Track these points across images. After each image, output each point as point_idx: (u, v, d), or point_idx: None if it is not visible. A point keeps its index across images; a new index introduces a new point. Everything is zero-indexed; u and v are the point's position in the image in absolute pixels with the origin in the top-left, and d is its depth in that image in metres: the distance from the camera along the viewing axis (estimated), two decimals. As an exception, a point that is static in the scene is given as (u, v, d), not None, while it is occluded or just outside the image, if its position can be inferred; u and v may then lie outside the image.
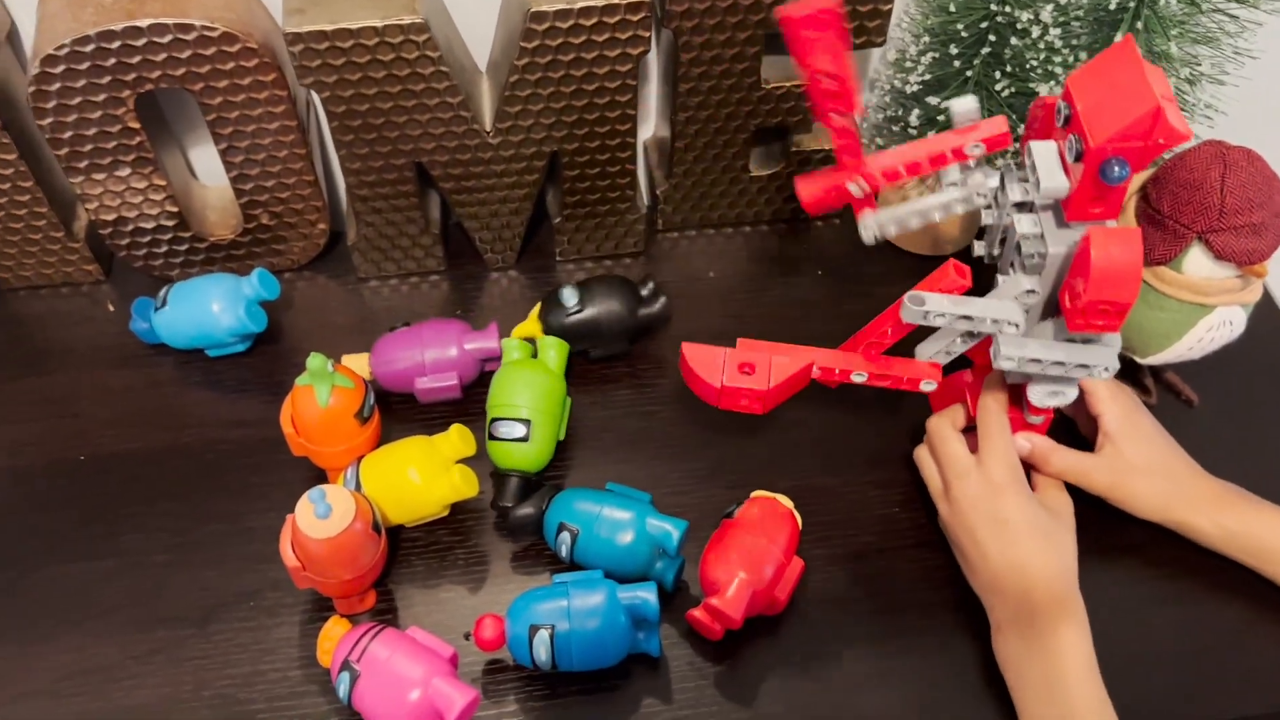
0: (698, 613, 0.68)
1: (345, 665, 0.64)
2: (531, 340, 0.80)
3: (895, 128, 0.85)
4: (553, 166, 0.84)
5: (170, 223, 0.84)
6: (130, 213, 0.82)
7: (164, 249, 0.86)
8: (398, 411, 0.81)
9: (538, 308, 0.83)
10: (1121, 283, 0.55)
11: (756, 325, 0.87)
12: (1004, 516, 0.66)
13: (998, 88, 0.79)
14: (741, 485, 0.75)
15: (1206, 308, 0.71)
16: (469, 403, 0.81)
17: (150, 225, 0.83)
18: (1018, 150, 0.69)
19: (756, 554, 0.68)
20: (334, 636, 0.67)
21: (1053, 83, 0.77)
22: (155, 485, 0.78)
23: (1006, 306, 0.63)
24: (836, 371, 0.69)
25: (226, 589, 0.73)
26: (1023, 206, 0.62)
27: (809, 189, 0.66)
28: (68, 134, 0.76)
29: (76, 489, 0.78)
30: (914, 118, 0.82)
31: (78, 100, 0.74)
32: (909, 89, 0.81)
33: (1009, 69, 0.78)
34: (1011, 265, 0.64)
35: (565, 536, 0.71)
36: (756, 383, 0.67)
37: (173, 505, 0.77)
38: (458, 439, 0.72)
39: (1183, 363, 0.77)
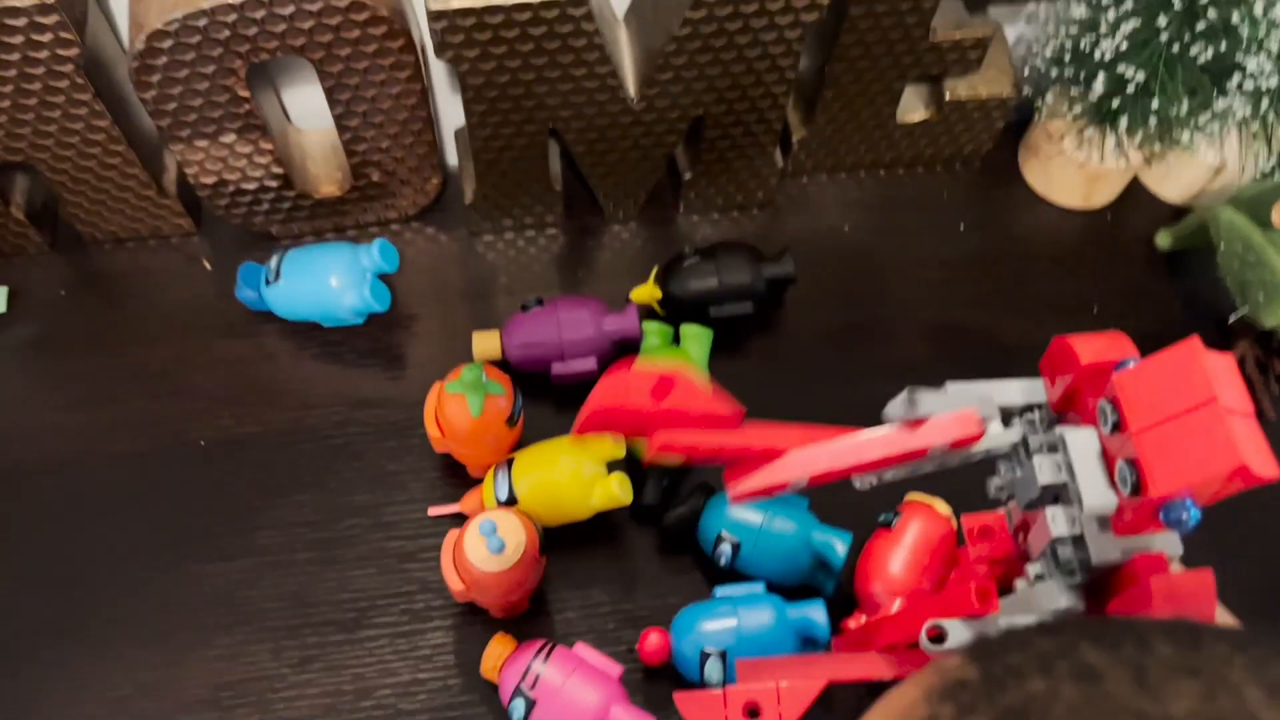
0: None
1: (518, 693, 0.64)
2: (668, 321, 0.76)
3: (1074, 91, 0.77)
4: (694, 127, 0.77)
5: (274, 184, 0.76)
6: (232, 175, 0.75)
7: (265, 207, 0.78)
8: (525, 387, 0.77)
9: (655, 271, 0.78)
10: None
11: (896, 290, 0.83)
12: None
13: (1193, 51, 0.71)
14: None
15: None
16: (604, 383, 0.77)
17: (253, 186, 0.76)
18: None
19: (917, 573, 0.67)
20: (500, 656, 0.66)
21: (1263, 55, 0.70)
22: (285, 474, 0.74)
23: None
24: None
25: (374, 590, 0.71)
26: (1052, 490, 0.49)
27: None
28: (171, 105, 0.67)
29: (198, 478, 0.74)
30: (1099, 84, 0.74)
31: (184, 74, 0.65)
32: (1099, 55, 0.73)
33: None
34: (1043, 557, 0.51)
35: (725, 548, 0.69)
36: None
37: (306, 497, 0.73)
38: (610, 442, 0.69)
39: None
